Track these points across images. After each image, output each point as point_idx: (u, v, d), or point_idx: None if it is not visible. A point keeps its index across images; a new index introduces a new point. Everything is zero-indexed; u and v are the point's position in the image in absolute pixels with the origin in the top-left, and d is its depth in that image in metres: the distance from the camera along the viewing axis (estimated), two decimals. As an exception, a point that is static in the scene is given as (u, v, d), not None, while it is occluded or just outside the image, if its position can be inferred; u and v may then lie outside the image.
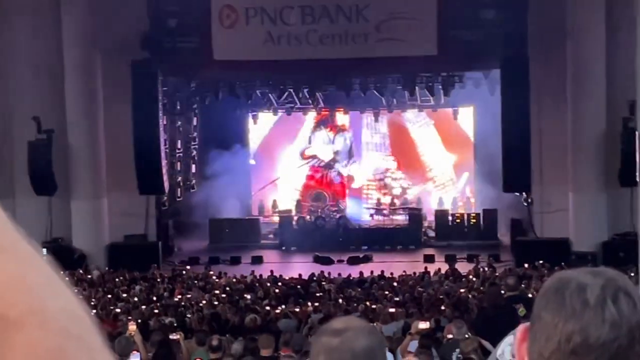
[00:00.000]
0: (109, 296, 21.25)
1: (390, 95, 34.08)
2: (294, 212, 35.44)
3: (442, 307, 18.81)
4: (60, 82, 27.88)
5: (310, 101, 34.72)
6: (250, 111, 36.36)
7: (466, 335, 11.96)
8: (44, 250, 26.52)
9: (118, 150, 28.75)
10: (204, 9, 28.26)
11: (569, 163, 27.93)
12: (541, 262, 25.25)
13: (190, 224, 33.04)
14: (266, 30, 28.20)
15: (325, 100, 35.16)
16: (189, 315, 19.09)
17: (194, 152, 35.38)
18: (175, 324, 16.86)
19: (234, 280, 25.19)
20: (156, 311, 19.43)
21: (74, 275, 24.73)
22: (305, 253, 30.62)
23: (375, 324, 15.42)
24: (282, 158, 37.36)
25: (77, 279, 24.22)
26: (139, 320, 16.26)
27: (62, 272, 1.16)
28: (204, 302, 21.04)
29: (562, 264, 23.42)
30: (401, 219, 34.79)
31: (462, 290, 21.04)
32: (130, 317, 17.15)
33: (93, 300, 20.61)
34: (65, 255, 26.95)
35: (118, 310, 19.14)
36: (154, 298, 21.92)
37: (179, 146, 34.08)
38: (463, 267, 27.29)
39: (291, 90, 33.38)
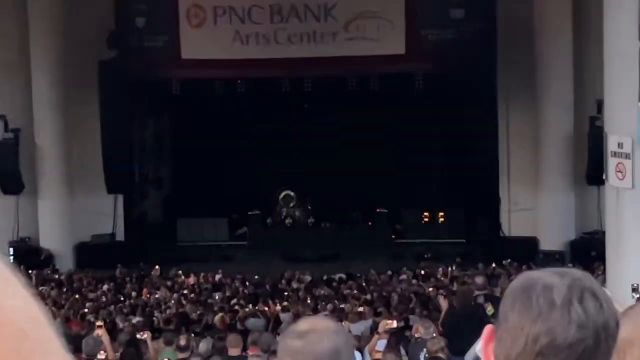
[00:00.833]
0: (77, 296, 21.14)
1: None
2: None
3: (411, 306, 18.84)
4: (27, 80, 27.67)
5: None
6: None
7: (433, 335, 12.00)
8: (11, 250, 26.44)
9: (86, 149, 28.60)
10: (171, 8, 28.18)
11: (536, 162, 28.02)
12: (509, 260, 25.29)
13: (158, 223, 32.85)
14: (235, 29, 28.16)
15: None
16: (156, 315, 19.05)
17: (163, 151, 35.16)
18: (143, 324, 16.81)
19: (202, 279, 25.10)
20: (124, 311, 19.38)
21: (41, 275, 24.59)
22: (275, 252, 30.50)
23: (343, 323, 15.43)
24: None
25: (45, 279, 24.08)
26: (107, 320, 16.22)
27: (19, 273, 1.13)
28: (172, 301, 20.99)
29: (530, 262, 23.51)
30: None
31: (430, 290, 21.05)
32: (97, 317, 17.11)
33: (60, 300, 20.52)
34: (32, 255, 26.85)
35: (85, 310, 19.06)
36: (122, 298, 21.84)
37: (147, 145, 33.87)
38: (431, 266, 27.26)
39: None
